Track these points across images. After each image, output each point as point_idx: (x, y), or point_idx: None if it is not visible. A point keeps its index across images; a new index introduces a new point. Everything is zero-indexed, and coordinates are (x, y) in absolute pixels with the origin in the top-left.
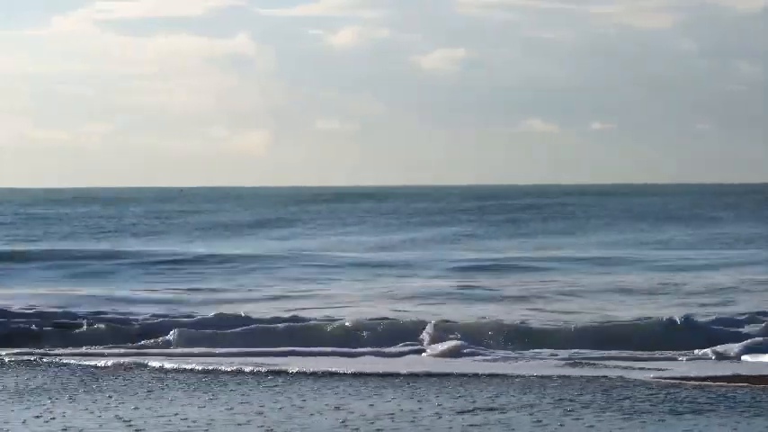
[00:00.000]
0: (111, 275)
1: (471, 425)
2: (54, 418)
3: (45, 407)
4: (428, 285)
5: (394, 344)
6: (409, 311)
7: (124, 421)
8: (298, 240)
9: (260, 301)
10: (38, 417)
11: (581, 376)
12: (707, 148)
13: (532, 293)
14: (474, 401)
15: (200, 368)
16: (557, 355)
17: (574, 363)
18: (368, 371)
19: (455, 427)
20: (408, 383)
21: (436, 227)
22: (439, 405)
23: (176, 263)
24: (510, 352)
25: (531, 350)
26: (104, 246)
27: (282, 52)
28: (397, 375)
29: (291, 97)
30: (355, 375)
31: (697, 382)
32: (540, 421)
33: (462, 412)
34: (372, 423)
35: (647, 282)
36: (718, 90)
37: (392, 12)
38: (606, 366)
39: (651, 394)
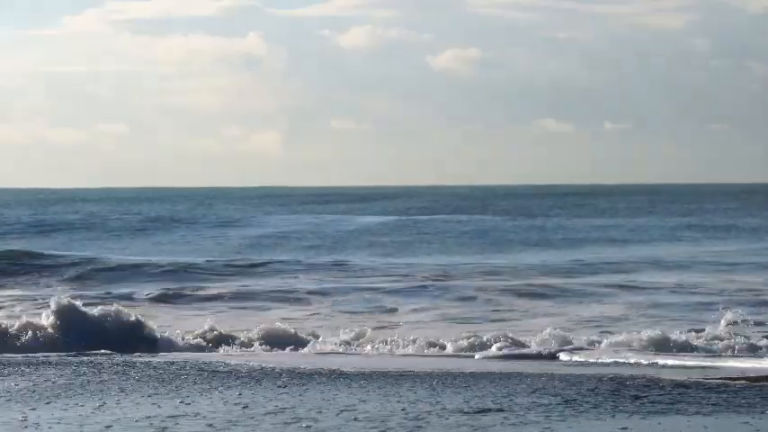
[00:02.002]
0: None
1: None
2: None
3: None
4: None
5: None
6: None
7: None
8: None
9: None
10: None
11: None
12: (722, 148)
13: None
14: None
15: None
16: None
17: None
18: None
19: None
20: None
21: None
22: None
23: None
24: None
25: None
26: None
27: (294, 52)
28: None
29: (305, 97)
30: None
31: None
32: None
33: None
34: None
35: None
36: (733, 90)
37: (404, 12)
38: None
39: (663, 394)
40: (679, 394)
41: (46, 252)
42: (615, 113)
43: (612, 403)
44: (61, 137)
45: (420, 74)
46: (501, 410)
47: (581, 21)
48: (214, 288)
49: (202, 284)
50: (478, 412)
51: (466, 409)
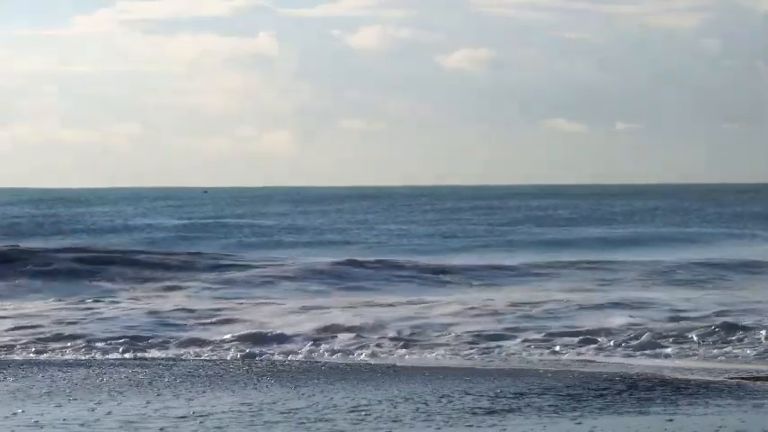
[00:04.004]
0: None
1: None
2: None
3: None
4: None
5: None
6: None
7: None
8: None
9: None
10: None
11: None
12: (735, 148)
13: None
14: None
15: None
16: None
17: None
18: None
19: None
20: None
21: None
22: None
23: None
24: None
25: None
26: None
27: (305, 52)
28: None
29: (316, 97)
30: None
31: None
32: None
33: None
34: None
35: None
36: (746, 89)
37: (414, 11)
38: None
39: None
40: (690, 394)
41: None
42: (626, 113)
43: (623, 402)
44: (73, 137)
45: (431, 74)
46: (511, 411)
47: (592, 21)
48: None
49: None
50: (489, 413)
51: (475, 409)
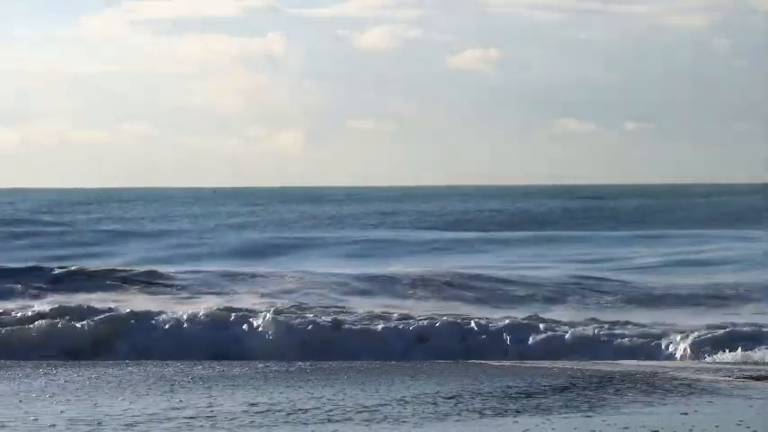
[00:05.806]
0: None
1: None
2: None
3: None
4: None
5: None
6: None
7: None
8: None
9: None
10: None
11: None
12: (746, 148)
13: None
14: None
15: None
16: None
17: None
18: None
19: None
20: None
21: None
22: None
23: None
24: None
25: None
26: None
27: (314, 52)
28: None
29: (325, 97)
30: None
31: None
32: None
33: None
34: None
35: None
36: (756, 89)
37: (423, 11)
38: None
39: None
40: (701, 392)
41: None
42: (637, 113)
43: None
44: (83, 137)
45: (440, 74)
46: (518, 412)
47: (602, 20)
48: None
49: None
50: (497, 415)
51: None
